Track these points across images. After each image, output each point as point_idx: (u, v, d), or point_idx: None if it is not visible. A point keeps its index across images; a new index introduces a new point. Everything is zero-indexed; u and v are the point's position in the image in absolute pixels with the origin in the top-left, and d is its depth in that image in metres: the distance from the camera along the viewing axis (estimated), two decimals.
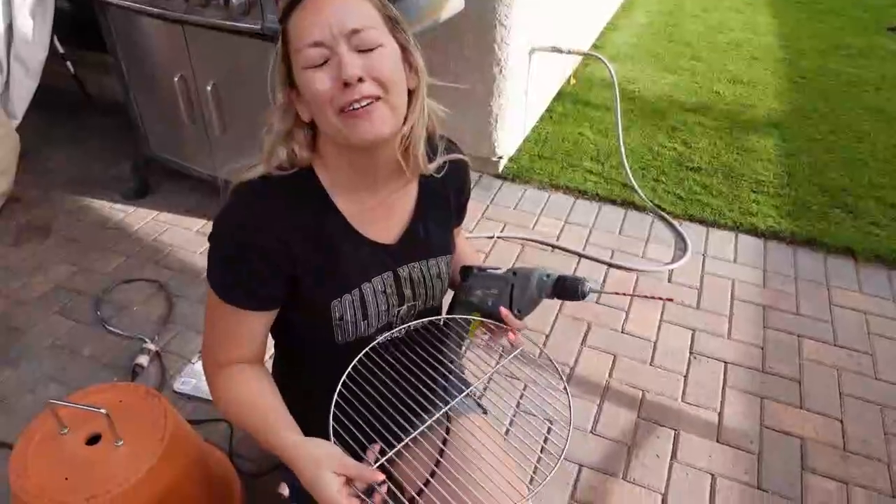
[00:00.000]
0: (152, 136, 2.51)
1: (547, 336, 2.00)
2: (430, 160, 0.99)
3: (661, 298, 1.02)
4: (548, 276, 1.00)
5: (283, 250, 0.91)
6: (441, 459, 1.09)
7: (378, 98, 0.85)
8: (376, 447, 0.89)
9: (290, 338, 1.09)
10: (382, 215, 0.98)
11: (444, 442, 1.10)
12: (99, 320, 1.99)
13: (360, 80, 0.83)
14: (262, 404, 0.95)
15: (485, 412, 1.24)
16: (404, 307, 1.03)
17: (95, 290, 2.12)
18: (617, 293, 1.06)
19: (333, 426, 0.87)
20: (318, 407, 1.14)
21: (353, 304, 0.97)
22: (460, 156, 1.07)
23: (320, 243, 0.94)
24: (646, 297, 1.01)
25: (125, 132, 2.66)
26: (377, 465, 0.85)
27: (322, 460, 0.83)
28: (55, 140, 2.98)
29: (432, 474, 1.06)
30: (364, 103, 0.84)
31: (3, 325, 1.98)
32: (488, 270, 1.05)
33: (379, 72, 0.84)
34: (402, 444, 0.90)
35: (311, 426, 1.18)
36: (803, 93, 3.68)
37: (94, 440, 1.19)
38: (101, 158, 2.84)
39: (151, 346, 1.87)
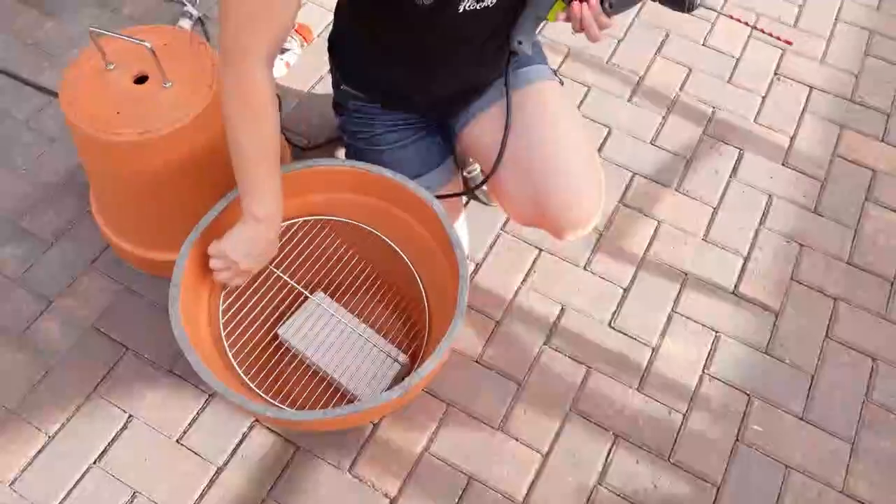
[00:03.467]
0: None
1: (620, 41, 1.81)
2: None
3: (779, 38, 0.84)
4: None
5: None
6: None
7: None
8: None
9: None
10: None
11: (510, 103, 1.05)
12: None
13: None
14: (254, 157, 0.95)
15: (561, 83, 1.16)
16: None
17: None
18: (731, 17, 0.87)
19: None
20: (386, 65, 1.08)
21: None
22: None
23: None
24: (762, 31, 0.83)
25: None
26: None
27: (242, 242, 1.00)
28: None
29: (505, 137, 1.04)
30: None
31: None
32: None
33: None
34: None
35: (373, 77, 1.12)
36: None
37: (141, 80, 1.15)
38: None
39: (193, 11, 1.74)
